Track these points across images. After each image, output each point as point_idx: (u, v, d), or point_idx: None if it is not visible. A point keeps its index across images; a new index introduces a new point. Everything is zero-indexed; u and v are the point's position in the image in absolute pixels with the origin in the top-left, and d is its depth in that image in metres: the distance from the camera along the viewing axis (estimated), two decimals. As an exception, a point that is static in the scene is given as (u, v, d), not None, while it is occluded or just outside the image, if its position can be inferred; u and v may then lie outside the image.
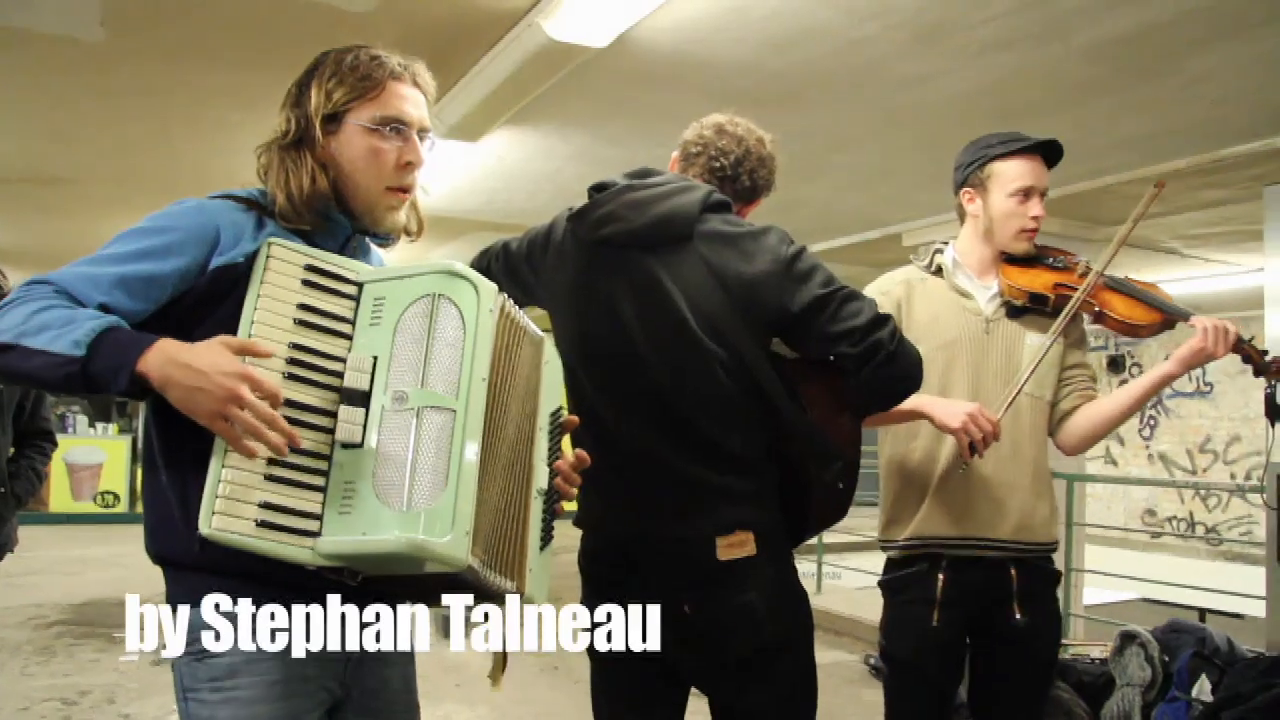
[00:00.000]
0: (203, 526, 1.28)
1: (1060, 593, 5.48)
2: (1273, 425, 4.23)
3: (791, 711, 2.06)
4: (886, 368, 1.91)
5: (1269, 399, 4.28)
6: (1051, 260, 2.42)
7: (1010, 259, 2.38)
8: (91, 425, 12.05)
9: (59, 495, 11.57)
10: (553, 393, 1.65)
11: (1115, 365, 12.54)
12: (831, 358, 1.95)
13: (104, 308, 1.34)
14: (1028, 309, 2.33)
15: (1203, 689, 4.37)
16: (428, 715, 5.18)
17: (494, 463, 1.41)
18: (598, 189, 2.09)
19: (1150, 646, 4.62)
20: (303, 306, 1.40)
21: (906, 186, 5.43)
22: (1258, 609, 5.20)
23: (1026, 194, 2.36)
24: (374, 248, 1.70)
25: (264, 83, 4.15)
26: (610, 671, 2.13)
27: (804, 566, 7.98)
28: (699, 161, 2.13)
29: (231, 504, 1.29)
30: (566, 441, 1.73)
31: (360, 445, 1.35)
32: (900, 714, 2.36)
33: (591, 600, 1.90)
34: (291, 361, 1.37)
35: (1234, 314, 11.12)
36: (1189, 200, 5.63)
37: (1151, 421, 12.15)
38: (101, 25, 3.58)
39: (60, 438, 12.21)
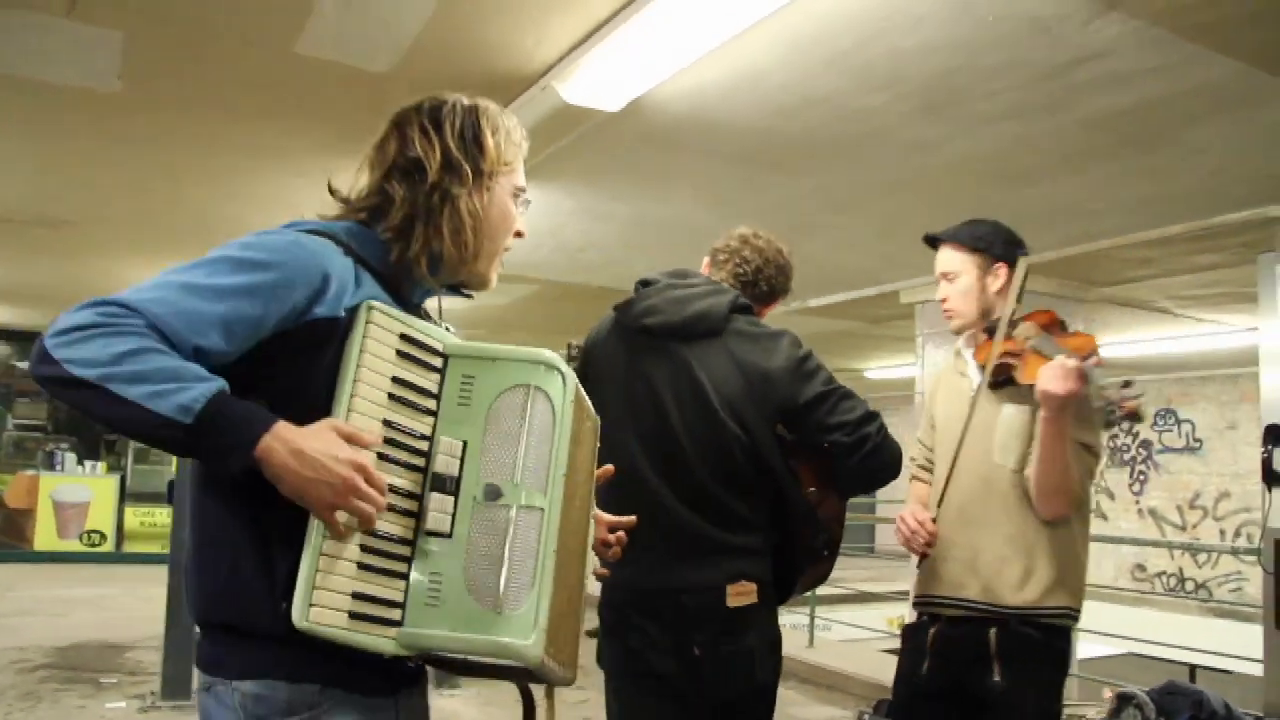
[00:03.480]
0: (298, 619, 1.23)
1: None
2: (1269, 490, 4.29)
3: None
4: (871, 457, 2.26)
5: (1266, 464, 4.34)
6: (1013, 331, 2.45)
7: (988, 332, 2.48)
8: (79, 463, 11.92)
9: (44, 533, 11.41)
10: (594, 469, 1.65)
11: (1106, 420, 12.60)
12: (826, 444, 2.29)
13: (198, 352, 1.24)
14: (1003, 382, 2.38)
15: (1199, 752, 4.37)
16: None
17: (563, 556, 1.38)
18: (643, 284, 2.48)
19: (1147, 708, 4.62)
20: (396, 380, 1.34)
21: (906, 246, 5.48)
22: (1249, 667, 5.20)
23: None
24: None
25: (276, 133, 4.23)
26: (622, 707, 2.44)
27: (795, 619, 8.03)
28: (726, 267, 2.51)
29: (329, 595, 1.26)
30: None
31: (449, 535, 1.32)
32: None
33: (612, 641, 2.41)
34: (386, 440, 1.31)
35: (1224, 370, 11.24)
36: (1183, 264, 5.72)
37: (1142, 477, 12.20)
38: (119, 78, 3.63)
39: (46, 475, 12.07)
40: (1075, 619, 2.41)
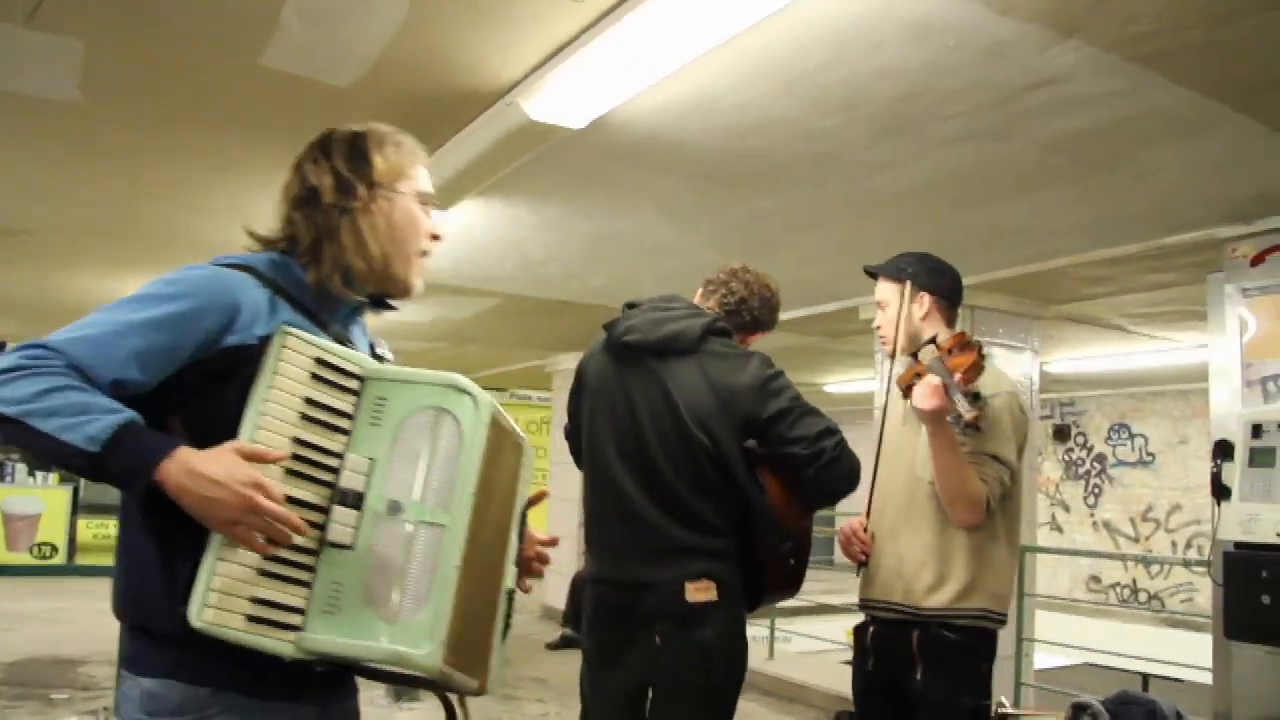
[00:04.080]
0: (194, 619, 1.32)
1: (1012, 662, 5.55)
2: (1218, 503, 4.38)
3: None
4: (827, 469, 2.53)
5: (1215, 478, 4.43)
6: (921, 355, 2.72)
7: (913, 356, 2.73)
8: (31, 474, 11.73)
9: (-7, 545, 11.24)
10: (526, 490, 1.71)
11: (1060, 434, 12.79)
12: (786, 456, 2.56)
13: (116, 384, 1.35)
14: None
15: (1151, 762, 4.43)
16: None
17: (471, 570, 1.45)
18: (629, 306, 2.80)
19: (1101, 717, 4.68)
20: (309, 401, 1.43)
21: (865, 262, 5.55)
22: (1200, 676, 5.29)
23: None
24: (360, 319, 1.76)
25: (239, 146, 4.19)
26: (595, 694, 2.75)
27: (755, 630, 8.02)
28: (715, 295, 2.86)
29: (225, 598, 1.34)
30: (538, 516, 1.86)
31: (351, 547, 1.40)
32: None
33: (589, 633, 2.74)
34: (294, 457, 1.40)
35: (1175, 386, 11.45)
36: (1136, 282, 5.82)
37: (1096, 490, 12.38)
38: (79, 88, 3.59)
39: (-2, 486, 11.78)
40: (996, 621, 2.61)
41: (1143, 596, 11.66)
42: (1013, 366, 6.12)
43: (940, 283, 2.75)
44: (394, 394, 1.47)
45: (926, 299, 2.72)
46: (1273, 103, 3.27)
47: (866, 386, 6.41)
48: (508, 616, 1.63)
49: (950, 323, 2.77)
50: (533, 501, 1.74)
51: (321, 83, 3.45)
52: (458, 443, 1.44)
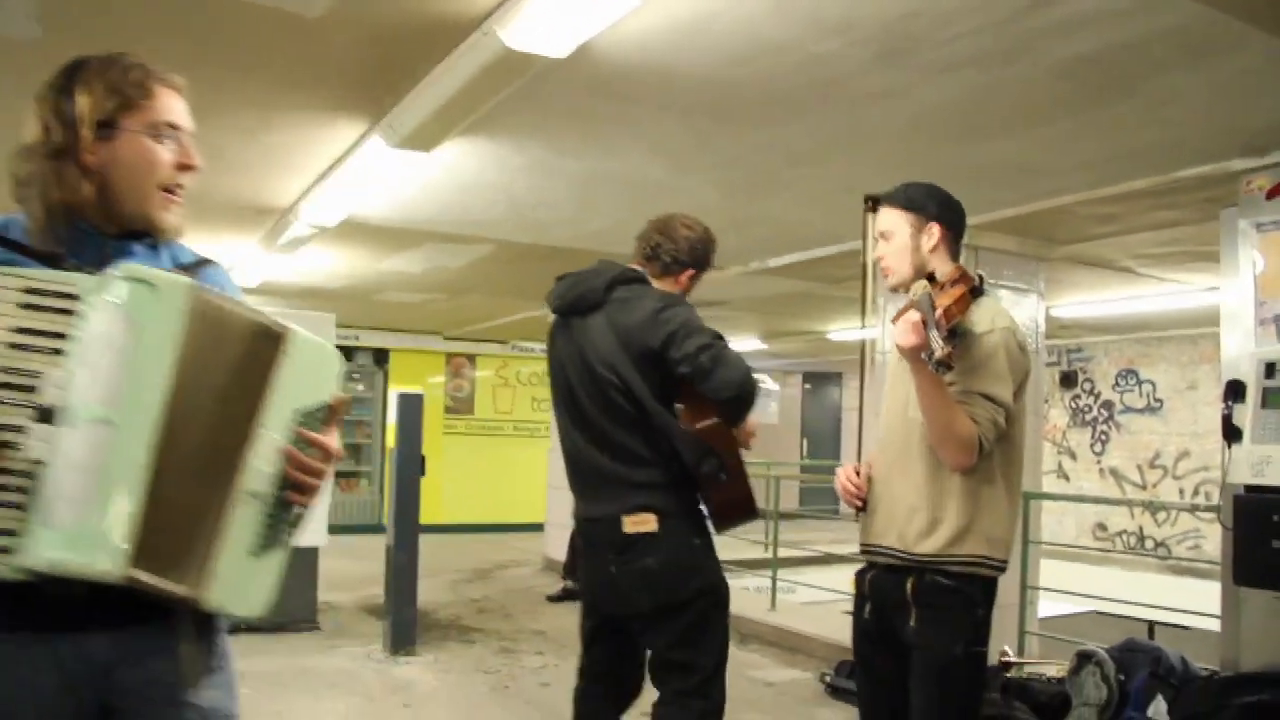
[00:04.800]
0: None
1: (1017, 610, 5.47)
2: (1229, 445, 4.26)
3: (692, 656, 2.91)
4: (708, 380, 2.78)
5: (1226, 420, 4.30)
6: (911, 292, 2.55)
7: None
8: None
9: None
10: (302, 390, 1.58)
11: (1068, 380, 12.65)
12: (682, 377, 2.83)
13: None
14: None
15: (1158, 709, 4.37)
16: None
17: (172, 471, 1.42)
18: (560, 278, 3.14)
19: (1106, 666, 4.61)
20: (20, 330, 1.40)
21: (861, 203, 5.39)
22: (1206, 623, 5.21)
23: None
24: (212, 270, 1.71)
25: (205, 84, 3.99)
26: (583, 614, 3.17)
27: (758, 582, 7.99)
28: (638, 245, 3.13)
29: None
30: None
31: (44, 462, 1.38)
32: (857, 698, 2.80)
33: (575, 564, 3.40)
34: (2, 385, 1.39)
35: (1184, 331, 11.29)
36: (1145, 221, 5.65)
37: (1103, 437, 12.27)
38: (38, 22, 3.44)
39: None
40: (994, 567, 2.49)
41: (1149, 544, 11.58)
42: (1018, 309, 5.96)
43: (949, 215, 2.60)
44: (94, 300, 1.42)
45: (936, 230, 2.57)
46: (1295, 19, 3.10)
47: (872, 334, 6.28)
48: (272, 526, 1.55)
49: (954, 258, 2.62)
50: (333, 411, 1.62)
51: (289, 13, 3.29)
52: (129, 334, 1.40)
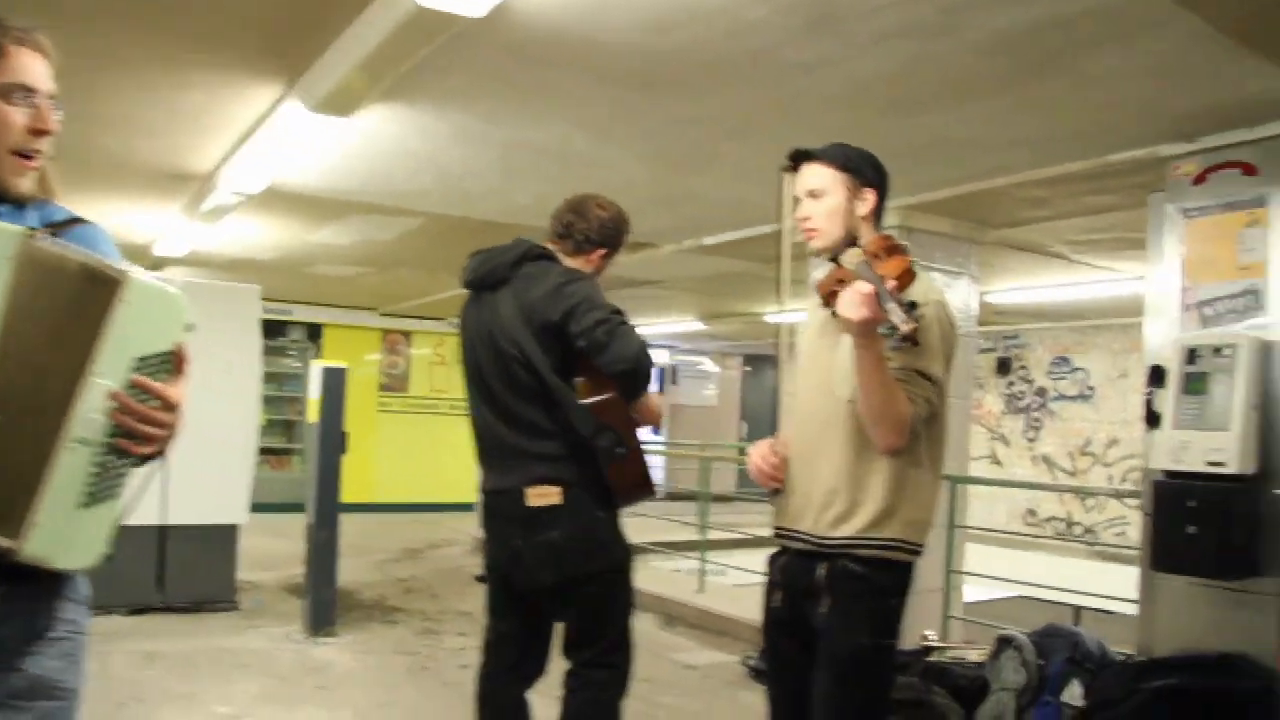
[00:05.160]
0: None
1: (941, 595, 5.46)
2: (1150, 431, 4.25)
3: (597, 628, 3.02)
4: (604, 354, 2.80)
5: (1148, 404, 4.29)
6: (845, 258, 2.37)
7: (835, 260, 2.40)
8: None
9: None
10: (142, 337, 1.52)
11: (1003, 367, 12.76)
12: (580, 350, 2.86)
13: None
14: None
15: (1074, 693, 4.37)
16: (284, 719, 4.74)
17: None
18: (473, 254, 3.16)
19: (1026, 650, 4.61)
20: None
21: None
22: (1128, 608, 5.24)
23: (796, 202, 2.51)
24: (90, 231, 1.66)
25: (120, 41, 3.83)
26: (489, 591, 3.19)
27: (688, 564, 7.93)
28: (551, 224, 3.15)
29: None
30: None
31: None
32: (766, 687, 2.65)
33: (486, 540, 3.14)
34: None
35: (1116, 320, 11.41)
36: (1076, 205, 5.65)
37: (1036, 424, 12.40)
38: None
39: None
40: (911, 551, 2.38)
41: (1078, 530, 11.73)
42: (951, 293, 5.95)
43: (883, 184, 2.49)
44: None
45: (871, 197, 2.44)
46: None
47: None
48: (101, 475, 1.50)
49: (877, 229, 2.49)
50: (178, 359, 1.56)
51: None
52: None
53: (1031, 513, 12.22)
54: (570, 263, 3.07)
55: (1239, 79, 3.66)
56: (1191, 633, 4.21)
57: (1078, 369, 11.95)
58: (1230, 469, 3.91)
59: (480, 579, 8.23)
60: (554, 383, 2.89)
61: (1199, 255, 4.34)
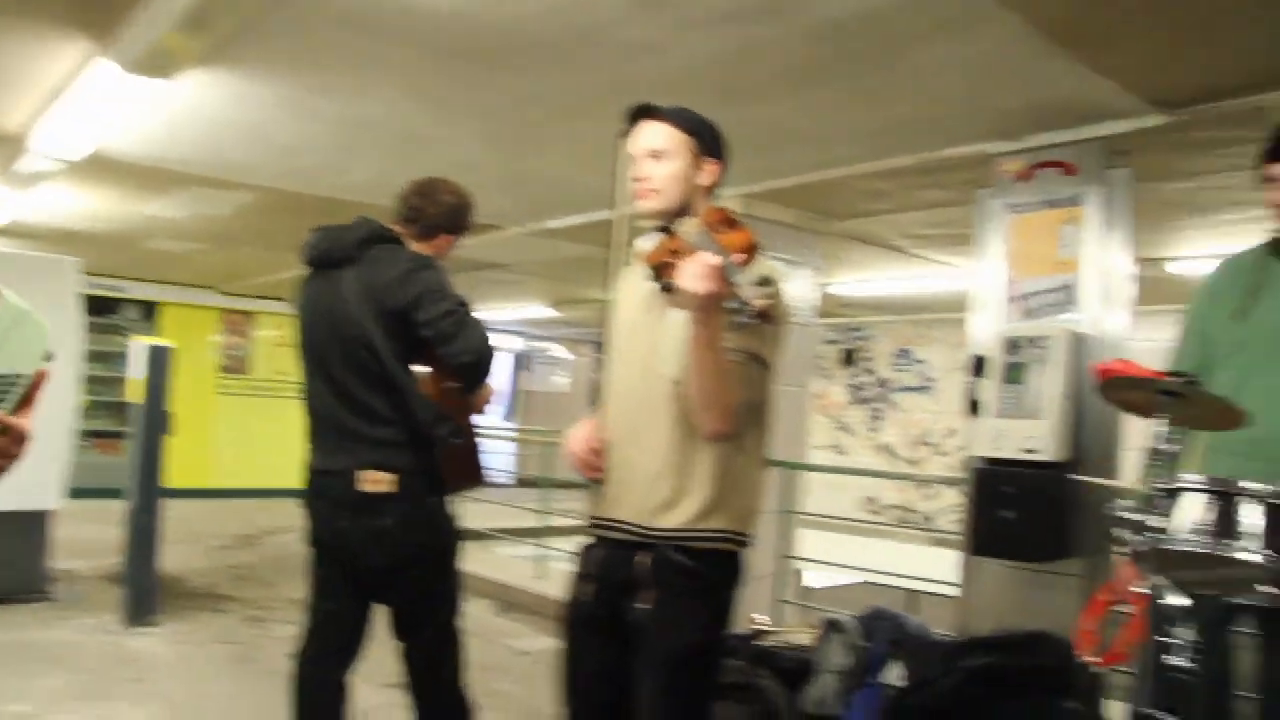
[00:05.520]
0: None
1: (770, 580, 5.51)
2: (972, 418, 4.38)
3: (426, 612, 3.05)
4: (449, 345, 2.82)
5: (969, 393, 4.42)
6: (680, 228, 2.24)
7: (664, 230, 2.25)
8: None
9: None
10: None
11: (848, 358, 13.07)
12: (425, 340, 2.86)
13: None
14: (671, 285, 2.09)
15: (895, 674, 4.47)
16: (87, 715, 4.56)
17: None
18: (315, 230, 3.10)
19: (851, 633, 4.69)
20: None
21: (643, 165, 5.31)
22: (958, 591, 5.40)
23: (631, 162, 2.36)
24: None
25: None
26: (314, 571, 3.10)
27: (525, 550, 7.86)
28: (398, 206, 3.13)
29: None
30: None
31: None
32: (563, 691, 2.39)
33: (307, 514, 3.06)
34: None
35: (955, 314, 11.76)
36: (913, 199, 5.78)
37: (878, 414, 12.74)
38: None
39: None
40: (740, 543, 2.26)
41: (918, 517, 12.12)
42: (792, 282, 6.03)
43: (725, 158, 2.39)
44: None
45: (712, 169, 2.33)
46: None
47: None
48: None
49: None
50: (33, 386, 1.44)
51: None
52: None
53: (873, 501, 12.56)
54: (417, 247, 3.06)
55: (1058, 81, 3.78)
56: (1006, 613, 4.36)
57: (919, 361, 12.33)
58: (1044, 456, 4.06)
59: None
60: (396, 369, 2.89)
61: (1022, 250, 4.50)
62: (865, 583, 8.99)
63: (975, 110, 4.21)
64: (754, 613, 5.57)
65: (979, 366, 4.44)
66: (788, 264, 5.98)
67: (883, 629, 4.72)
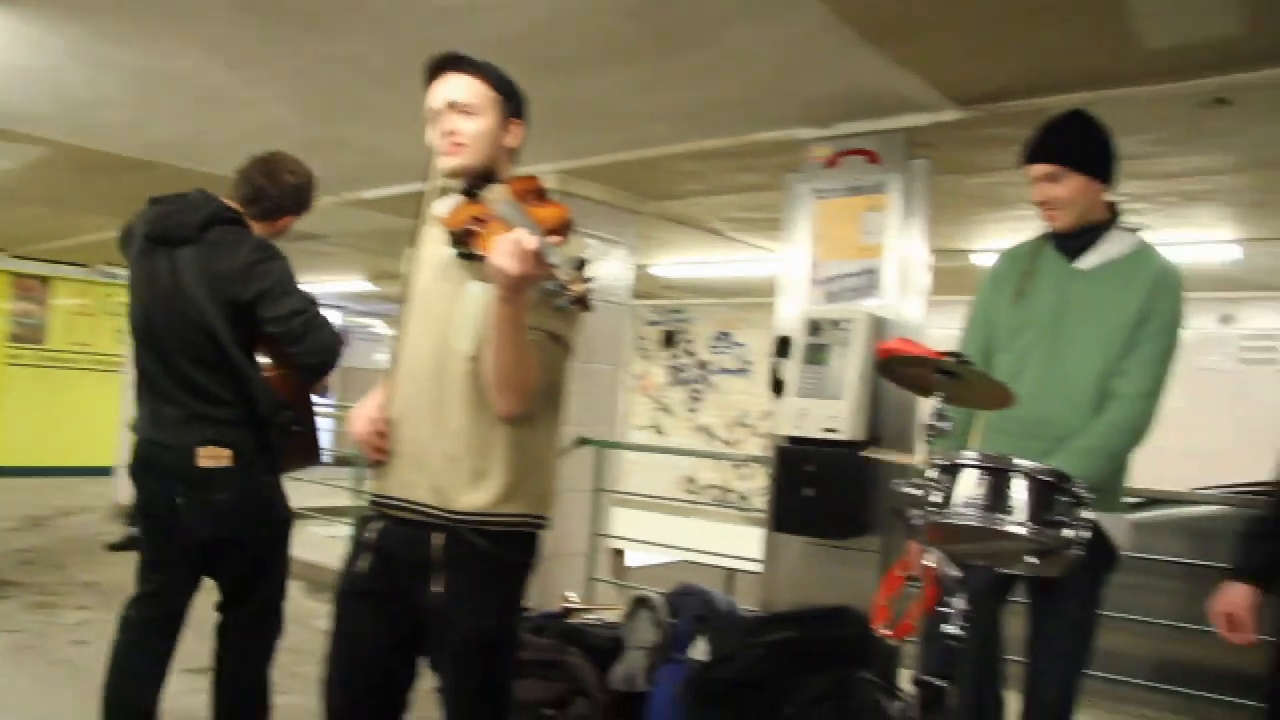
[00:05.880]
0: None
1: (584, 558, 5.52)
2: (776, 398, 4.48)
3: (253, 587, 3.18)
4: (297, 345, 2.88)
5: (773, 373, 4.52)
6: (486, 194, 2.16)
7: (466, 194, 2.17)
8: None
9: None
10: None
11: (668, 340, 13.23)
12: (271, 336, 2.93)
13: None
14: (473, 253, 2.05)
15: (700, 649, 4.55)
16: None
17: None
18: (154, 201, 3.12)
19: (660, 610, 4.75)
20: None
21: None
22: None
23: (432, 117, 2.27)
24: None
25: None
26: (144, 542, 3.20)
27: (340, 530, 7.64)
28: (239, 185, 3.15)
29: None
30: None
31: None
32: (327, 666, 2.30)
33: (134, 485, 3.16)
34: None
35: (770, 299, 12.08)
36: (728, 182, 5.85)
37: (697, 395, 12.96)
38: None
39: None
40: (539, 525, 2.23)
41: (734, 497, 12.39)
42: (608, 260, 6.03)
43: (526, 121, 2.30)
44: None
45: (519, 131, 2.26)
46: (842, -13, 3.20)
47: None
48: None
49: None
50: None
51: None
52: None
53: (692, 480, 12.78)
54: (259, 228, 3.13)
55: (863, 71, 3.88)
56: (808, 588, 4.50)
57: (738, 344, 12.60)
58: (843, 435, 4.18)
59: (114, 547, 7.61)
60: (237, 355, 2.97)
61: (827, 235, 4.62)
62: (684, 561, 9.15)
63: (785, 96, 4.29)
64: (567, 591, 5.58)
65: (783, 347, 4.54)
66: (603, 242, 5.99)
67: (689, 605, 4.80)
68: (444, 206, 2.23)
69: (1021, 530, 2.19)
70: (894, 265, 4.39)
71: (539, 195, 2.11)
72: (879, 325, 4.30)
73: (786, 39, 3.65)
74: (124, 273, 3.24)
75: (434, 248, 2.22)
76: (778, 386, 4.47)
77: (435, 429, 2.14)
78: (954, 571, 2.32)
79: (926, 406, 2.42)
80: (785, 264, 4.82)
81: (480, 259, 2.00)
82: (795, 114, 4.52)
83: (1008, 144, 4.67)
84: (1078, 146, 2.71)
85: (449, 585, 2.13)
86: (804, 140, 4.67)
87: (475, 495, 2.11)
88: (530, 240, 1.85)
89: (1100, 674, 4.33)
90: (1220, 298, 8.77)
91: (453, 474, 2.12)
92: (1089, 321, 2.66)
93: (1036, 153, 2.75)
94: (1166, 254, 2.73)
